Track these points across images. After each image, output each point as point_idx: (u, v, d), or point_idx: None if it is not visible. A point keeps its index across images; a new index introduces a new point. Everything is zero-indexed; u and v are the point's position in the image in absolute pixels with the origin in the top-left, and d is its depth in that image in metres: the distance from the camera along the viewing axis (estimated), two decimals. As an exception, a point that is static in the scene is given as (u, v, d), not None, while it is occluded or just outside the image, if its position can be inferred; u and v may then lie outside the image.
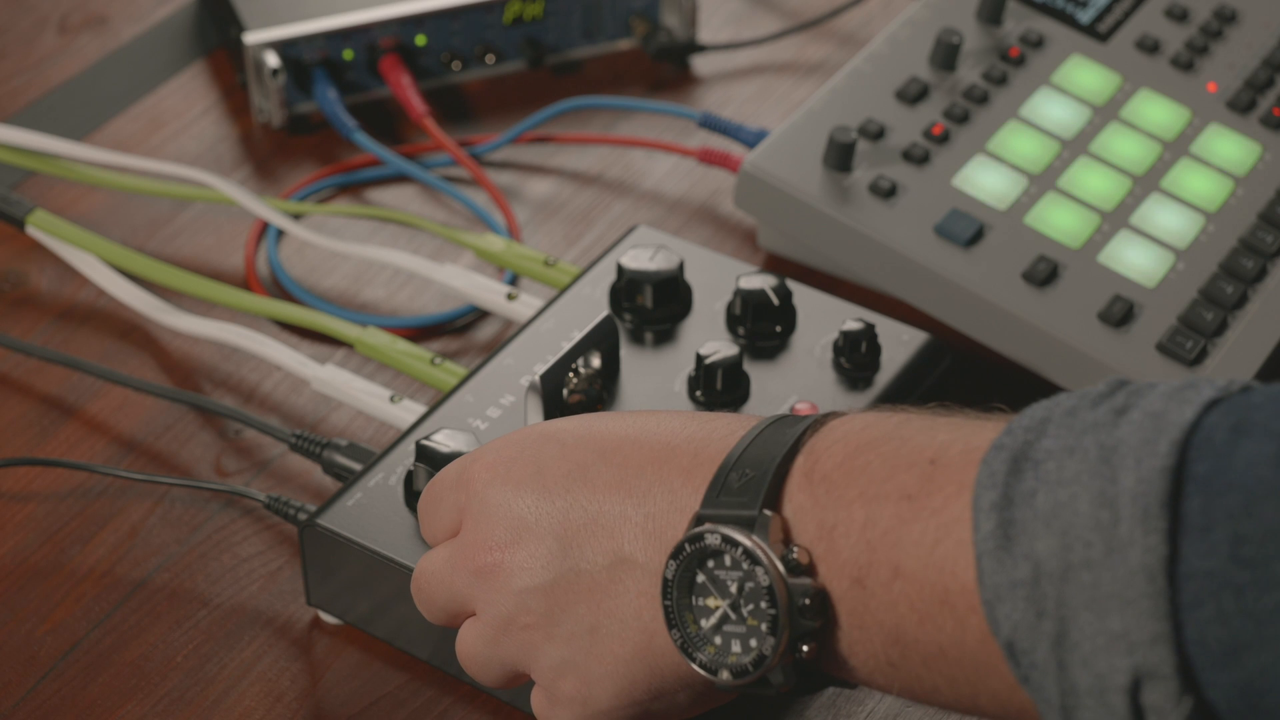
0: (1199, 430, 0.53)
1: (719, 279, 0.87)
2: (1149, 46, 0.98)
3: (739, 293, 0.84)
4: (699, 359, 0.81)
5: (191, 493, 0.85)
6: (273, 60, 1.02)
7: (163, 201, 1.01)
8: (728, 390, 0.81)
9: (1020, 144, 0.93)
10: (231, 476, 0.87)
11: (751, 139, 0.99)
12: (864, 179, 0.91)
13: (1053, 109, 0.95)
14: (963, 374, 0.87)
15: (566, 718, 0.66)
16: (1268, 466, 0.51)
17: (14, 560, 0.83)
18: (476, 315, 0.95)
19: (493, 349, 0.90)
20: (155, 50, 1.11)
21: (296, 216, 0.99)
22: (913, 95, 0.94)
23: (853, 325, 0.82)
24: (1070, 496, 0.53)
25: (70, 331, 0.94)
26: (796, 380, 0.82)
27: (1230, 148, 0.94)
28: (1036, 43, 0.98)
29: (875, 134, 0.92)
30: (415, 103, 1.04)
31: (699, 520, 0.61)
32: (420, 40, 1.06)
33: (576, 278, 0.88)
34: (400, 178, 1.03)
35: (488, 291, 0.91)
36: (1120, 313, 0.87)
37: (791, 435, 0.61)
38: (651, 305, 0.85)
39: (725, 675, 0.61)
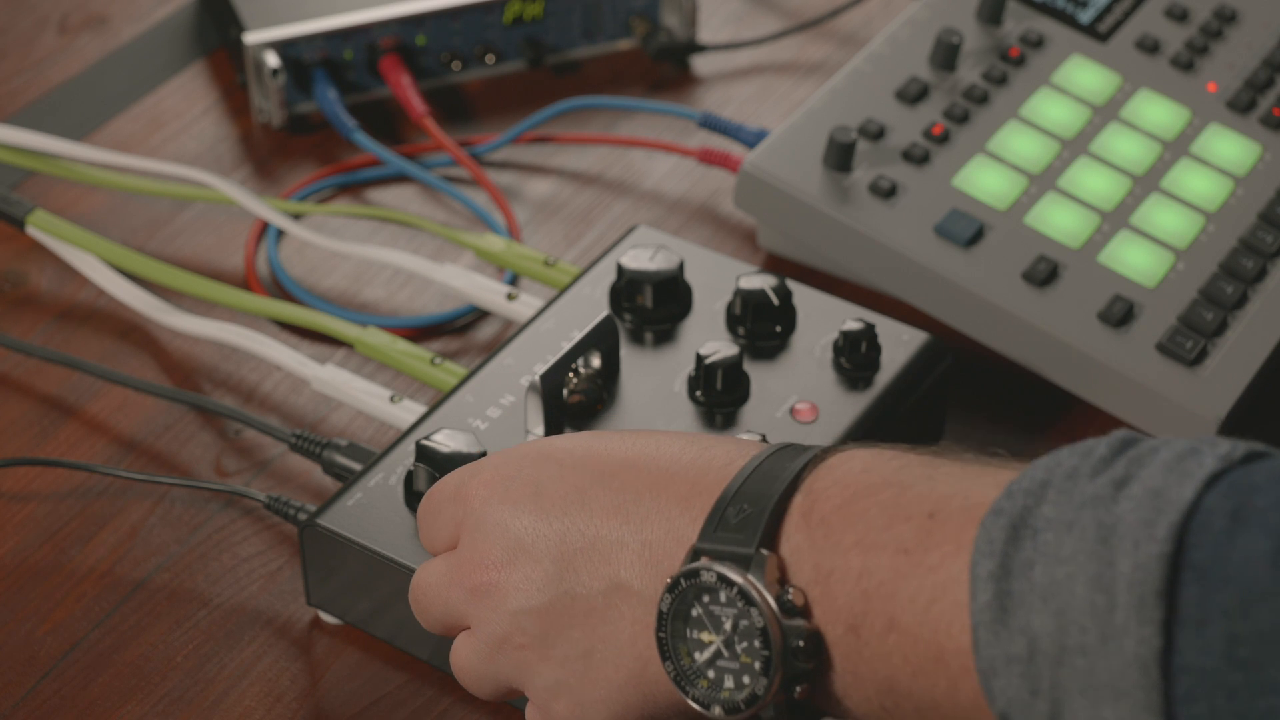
0: (1198, 513, 0.52)
1: (719, 279, 0.87)
2: (1149, 46, 0.98)
3: (739, 293, 0.84)
4: (699, 359, 0.81)
5: (191, 493, 0.85)
6: (273, 60, 1.02)
7: (163, 201, 1.01)
8: (728, 390, 0.81)
9: (1020, 144, 0.93)
10: (231, 476, 0.87)
11: (751, 139, 0.99)
12: (864, 179, 0.91)
13: (1053, 109, 0.95)
14: (963, 374, 0.87)
15: None
16: (1264, 565, 0.51)
17: (14, 560, 0.83)
18: (476, 315, 0.95)
19: (493, 349, 0.90)
20: (155, 50, 1.11)
21: (296, 216, 0.99)
22: (913, 95, 0.94)
23: (853, 325, 0.82)
24: (1067, 576, 0.53)
25: (70, 331, 0.94)
26: (796, 380, 0.82)
27: (1230, 148, 0.94)
28: (1036, 43, 0.98)
29: (875, 134, 0.92)
30: (415, 103, 1.04)
31: (696, 554, 0.61)
32: (420, 40, 1.06)
33: (576, 278, 0.88)
34: (400, 178, 1.03)
35: (488, 291, 0.91)
36: (1120, 313, 0.87)
37: (790, 471, 0.61)
38: (651, 305, 0.85)
39: (718, 710, 0.61)
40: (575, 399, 0.81)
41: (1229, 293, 0.88)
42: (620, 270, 0.85)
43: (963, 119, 0.94)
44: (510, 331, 0.93)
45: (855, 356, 0.82)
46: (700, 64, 1.10)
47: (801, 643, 0.59)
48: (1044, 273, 0.88)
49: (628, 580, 0.62)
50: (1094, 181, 0.92)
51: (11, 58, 1.10)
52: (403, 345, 0.87)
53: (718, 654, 0.61)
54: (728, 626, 0.60)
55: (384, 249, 0.93)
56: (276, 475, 0.86)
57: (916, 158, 0.92)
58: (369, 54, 1.05)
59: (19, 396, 0.90)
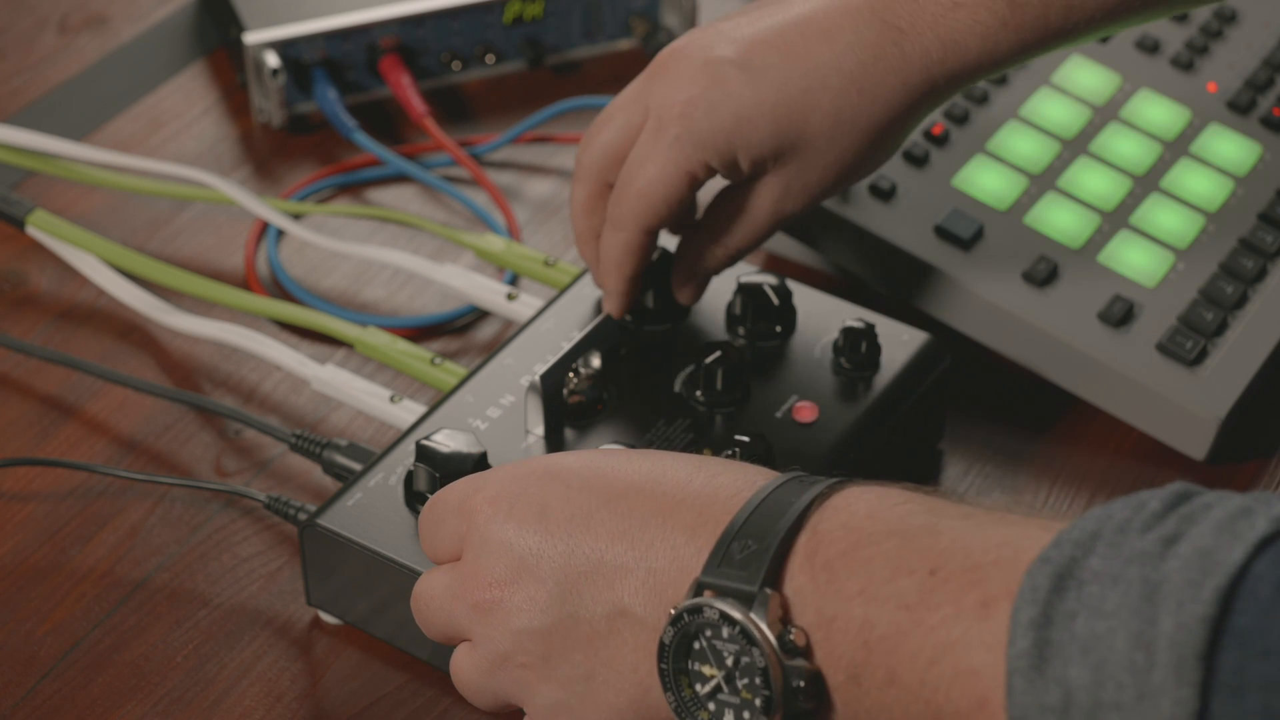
0: (1246, 578, 0.52)
1: (719, 279, 0.86)
2: (1149, 46, 0.98)
3: (739, 293, 0.84)
4: (699, 359, 0.81)
5: (191, 493, 0.85)
6: (273, 60, 1.02)
7: (163, 201, 1.01)
8: (727, 390, 0.81)
9: (1020, 144, 0.93)
10: (231, 476, 0.87)
11: (751, 139, 0.99)
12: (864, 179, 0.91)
13: (1053, 109, 0.95)
14: (963, 374, 0.87)
15: None
16: None
17: (14, 560, 0.83)
18: (476, 315, 0.95)
19: (493, 349, 0.90)
20: (155, 50, 1.11)
21: (296, 216, 0.99)
22: (913, 95, 0.94)
23: (853, 325, 0.82)
24: (1108, 630, 0.53)
25: (70, 331, 0.94)
26: (796, 380, 0.82)
27: (1230, 148, 0.94)
28: (1036, 43, 0.98)
29: (875, 134, 0.92)
30: (415, 103, 1.04)
31: (699, 587, 0.61)
32: (420, 40, 1.06)
33: (576, 278, 0.88)
34: (400, 178, 1.03)
35: (488, 291, 0.91)
36: (1120, 313, 0.87)
37: (796, 509, 0.61)
38: (651, 305, 0.85)
39: None
40: (575, 399, 0.81)
41: (1229, 293, 0.88)
42: (620, 270, 0.85)
43: (962, 119, 0.94)
44: (510, 331, 0.93)
45: (855, 356, 0.82)
46: (700, 64, 1.10)
47: (802, 683, 0.59)
48: (1044, 273, 0.88)
49: (631, 606, 0.63)
50: (1094, 181, 0.92)
51: (11, 58, 1.10)
52: (403, 345, 0.87)
53: (718, 688, 0.61)
54: (729, 662, 0.61)
55: (384, 249, 0.93)
56: (276, 475, 0.86)
57: (916, 158, 0.92)
58: (369, 54, 1.05)
59: (19, 396, 0.90)
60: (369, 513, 0.76)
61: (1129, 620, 0.52)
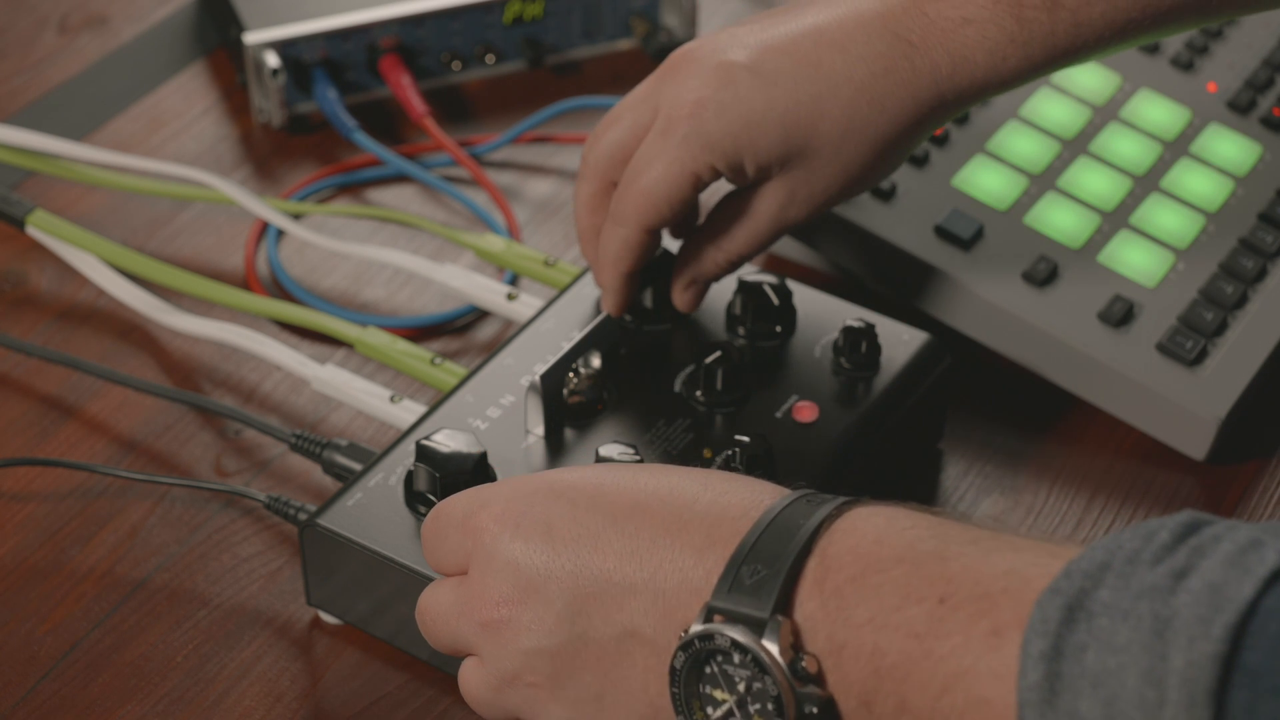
0: (1256, 614, 0.52)
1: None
2: (1149, 47, 0.98)
3: (739, 292, 0.84)
4: (699, 359, 0.81)
5: (191, 493, 0.85)
6: (273, 60, 1.02)
7: (163, 201, 1.01)
8: (727, 390, 0.81)
9: (1020, 144, 0.93)
10: (231, 476, 0.87)
11: (751, 139, 0.99)
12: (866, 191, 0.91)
13: (1053, 109, 0.95)
14: (963, 374, 0.87)
15: None
16: None
17: (14, 560, 0.83)
18: (476, 315, 0.95)
19: (493, 349, 0.90)
20: (155, 50, 1.11)
21: (296, 216, 0.99)
22: (913, 95, 0.94)
23: (853, 325, 0.82)
24: (1119, 666, 0.53)
25: (70, 331, 0.94)
26: (796, 380, 0.82)
27: (1230, 148, 0.94)
28: (1036, 43, 0.98)
29: (875, 134, 0.92)
30: (415, 103, 1.04)
31: (709, 612, 0.60)
32: (420, 40, 1.06)
33: (576, 278, 0.88)
34: (400, 178, 1.03)
35: (488, 291, 0.91)
36: (1120, 313, 0.87)
37: (805, 531, 0.61)
38: (651, 305, 0.85)
39: None
40: (575, 399, 0.81)
41: (1229, 293, 0.88)
42: (620, 270, 0.85)
43: (962, 119, 0.94)
44: (510, 331, 0.93)
45: (855, 356, 0.82)
46: (700, 64, 1.10)
47: (815, 709, 0.59)
48: (1044, 273, 0.88)
49: (640, 628, 0.62)
50: (1094, 181, 0.92)
51: (11, 58, 1.10)
52: (403, 345, 0.87)
53: (730, 713, 0.61)
54: (741, 688, 0.61)
55: (384, 249, 0.93)
56: (276, 475, 0.86)
57: (916, 158, 0.92)
58: (369, 54, 1.05)
59: (19, 396, 0.90)
60: (369, 513, 0.76)
61: (1140, 656, 0.52)
